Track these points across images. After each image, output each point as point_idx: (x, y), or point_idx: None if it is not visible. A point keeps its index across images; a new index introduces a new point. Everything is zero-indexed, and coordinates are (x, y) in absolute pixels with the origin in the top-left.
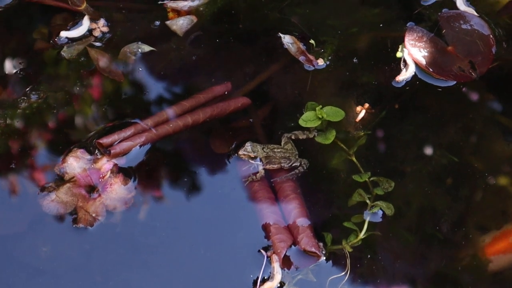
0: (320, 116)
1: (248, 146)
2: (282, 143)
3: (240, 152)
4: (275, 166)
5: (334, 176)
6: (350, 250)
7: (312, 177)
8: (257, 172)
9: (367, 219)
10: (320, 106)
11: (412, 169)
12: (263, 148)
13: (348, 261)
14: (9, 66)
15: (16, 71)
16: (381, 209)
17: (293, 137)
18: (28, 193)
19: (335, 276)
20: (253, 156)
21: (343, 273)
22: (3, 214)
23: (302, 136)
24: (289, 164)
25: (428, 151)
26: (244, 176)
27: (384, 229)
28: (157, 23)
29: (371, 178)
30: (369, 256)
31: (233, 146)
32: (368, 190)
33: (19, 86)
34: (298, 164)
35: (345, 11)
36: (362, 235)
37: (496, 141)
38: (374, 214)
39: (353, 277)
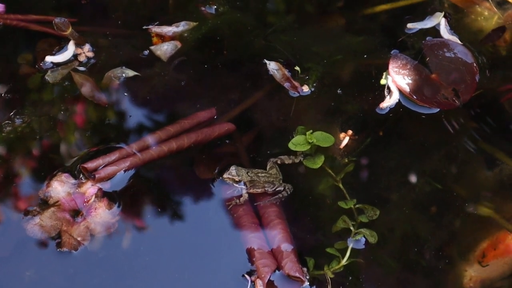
0: (310, 141)
1: (233, 169)
2: (268, 167)
3: (225, 176)
4: (259, 190)
5: (319, 202)
6: (332, 276)
7: (297, 202)
8: (241, 196)
9: (350, 246)
10: (311, 131)
11: (396, 196)
12: (247, 172)
13: (329, 287)
14: None
15: (0, 95)
16: (364, 236)
17: (279, 162)
18: (12, 217)
19: None
20: (237, 179)
21: None
22: None
23: (288, 161)
24: (273, 189)
25: (412, 178)
26: (227, 200)
27: (367, 256)
28: (146, 52)
29: (356, 205)
30: (350, 278)
31: (217, 170)
32: (353, 217)
33: (3, 111)
34: (282, 188)
35: (330, 39)
36: (344, 261)
37: (479, 168)
38: (357, 241)
39: None
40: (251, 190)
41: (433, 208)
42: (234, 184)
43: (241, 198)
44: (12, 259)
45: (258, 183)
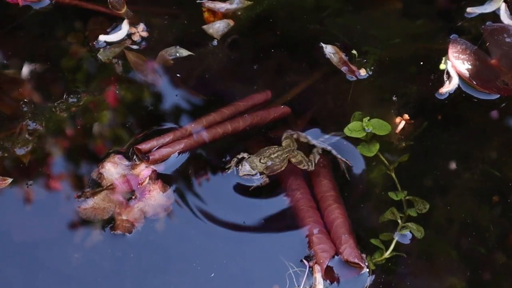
0: (366, 128)
1: (246, 165)
2: (282, 138)
3: (241, 174)
4: (279, 170)
5: (370, 189)
6: (373, 267)
7: (348, 187)
8: (263, 181)
9: (395, 239)
10: (368, 118)
11: (453, 183)
12: (260, 160)
13: (369, 279)
14: (44, 70)
15: (52, 76)
16: (410, 231)
17: (295, 136)
18: (62, 199)
19: None
20: (254, 173)
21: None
22: (36, 219)
23: (304, 139)
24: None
25: (470, 164)
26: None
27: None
28: (215, 42)
29: (407, 197)
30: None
31: (227, 158)
32: (402, 209)
33: (56, 91)
34: (300, 158)
35: (387, 23)
36: (387, 254)
37: None
38: (403, 235)
39: None
40: (271, 174)
41: (493, 196)
42: (253, 178)
43: (263, 183)
44: (60, 241)
45: (275, 165)
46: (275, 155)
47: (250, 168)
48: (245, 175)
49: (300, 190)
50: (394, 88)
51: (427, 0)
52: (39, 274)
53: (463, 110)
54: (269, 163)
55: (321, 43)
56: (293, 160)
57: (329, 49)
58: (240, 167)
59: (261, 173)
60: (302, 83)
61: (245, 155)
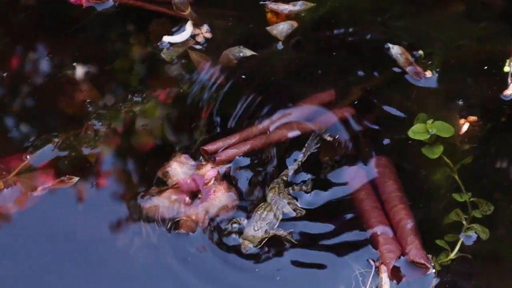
0: (430, 130)
1: (244, 243)
2: (267, 192)
3: (245, 252)
4: (280, 219)
5: (433, 191)
6: (439, 268)
7: (411, 189)
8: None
9: (461, 240)
10: (431, 120)
11: None
12: (254, 229)
13: (435, 279)
14: (107, 71)
15: (115, 76)
16: (476, 232)
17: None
18: (127, 197)
19: None
20: (255, 245)
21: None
22: (100, 218)
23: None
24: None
25: None
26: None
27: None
28: (280, 44)
29: (471, 199)
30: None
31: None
32: (466, 210)
33: (119, 90)
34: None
35: (449, 25)
36: (452, 255)
37: None
38: (468, 236)
39: None
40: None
41: None
42: (258, 247)
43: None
44: (124, 240)
45: (271, 222)
46: (265, 213)
47: (249, 244)
48: (249, 250)
49: (364, 190)
50: (458, 90)
51: (490, 2)
52: (103, 273)
53: None
54: (264, 224)
55: (388, 43)
56: (287, 208)
57: (396, 50)
58: (241, 246)
59: (264, 240)
60: (366, 84)
61: (243, 220)
